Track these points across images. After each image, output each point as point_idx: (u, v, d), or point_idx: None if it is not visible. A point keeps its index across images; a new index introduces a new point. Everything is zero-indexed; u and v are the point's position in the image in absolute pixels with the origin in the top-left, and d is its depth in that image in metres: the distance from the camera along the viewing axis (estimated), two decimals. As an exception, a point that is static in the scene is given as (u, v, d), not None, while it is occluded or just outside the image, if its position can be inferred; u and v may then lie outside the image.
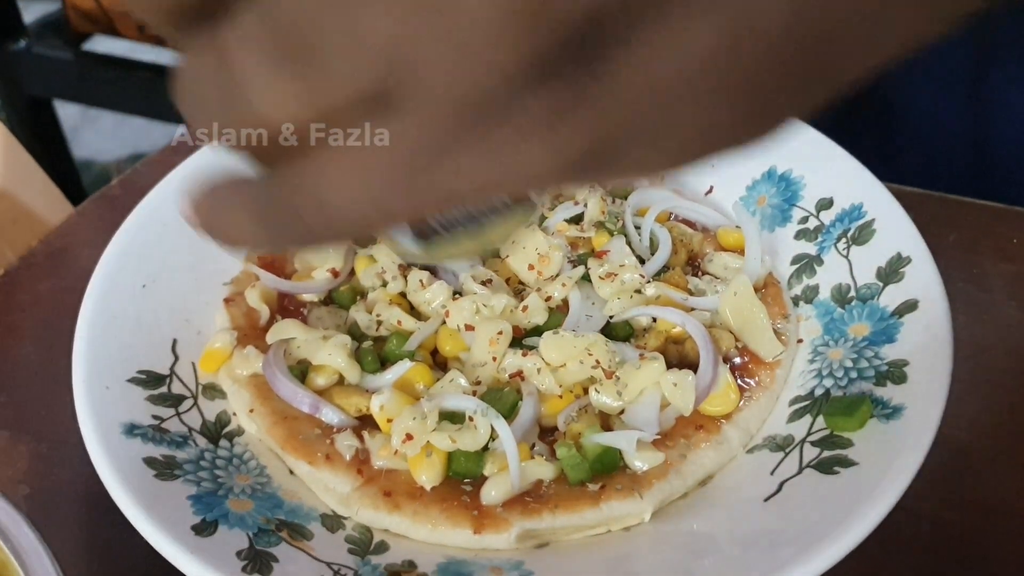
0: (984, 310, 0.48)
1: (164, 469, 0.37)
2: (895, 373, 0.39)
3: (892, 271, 0.42)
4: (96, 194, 0.60)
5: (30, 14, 1.30)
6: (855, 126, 0.68)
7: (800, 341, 0.43)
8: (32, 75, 1.25)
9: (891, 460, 0.36)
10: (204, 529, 0.35)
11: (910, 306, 0.41)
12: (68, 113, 1.87)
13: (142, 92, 1.23)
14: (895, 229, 0.44)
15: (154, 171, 0.60)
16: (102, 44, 1.38)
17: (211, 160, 0.51)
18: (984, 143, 0.66)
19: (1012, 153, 0.66)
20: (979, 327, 0.47)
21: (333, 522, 0.37)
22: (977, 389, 0.45)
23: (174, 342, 0.43)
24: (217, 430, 0.41)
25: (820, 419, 0.39)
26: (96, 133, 2.00)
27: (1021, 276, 0.50)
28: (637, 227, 0.47)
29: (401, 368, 0.40)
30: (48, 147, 1.31)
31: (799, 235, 0.46)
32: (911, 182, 0.55)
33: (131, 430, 0.39)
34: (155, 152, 0.63)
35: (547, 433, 0.40)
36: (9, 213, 0.58)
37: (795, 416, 0.40)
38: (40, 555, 0.36)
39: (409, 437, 0.38)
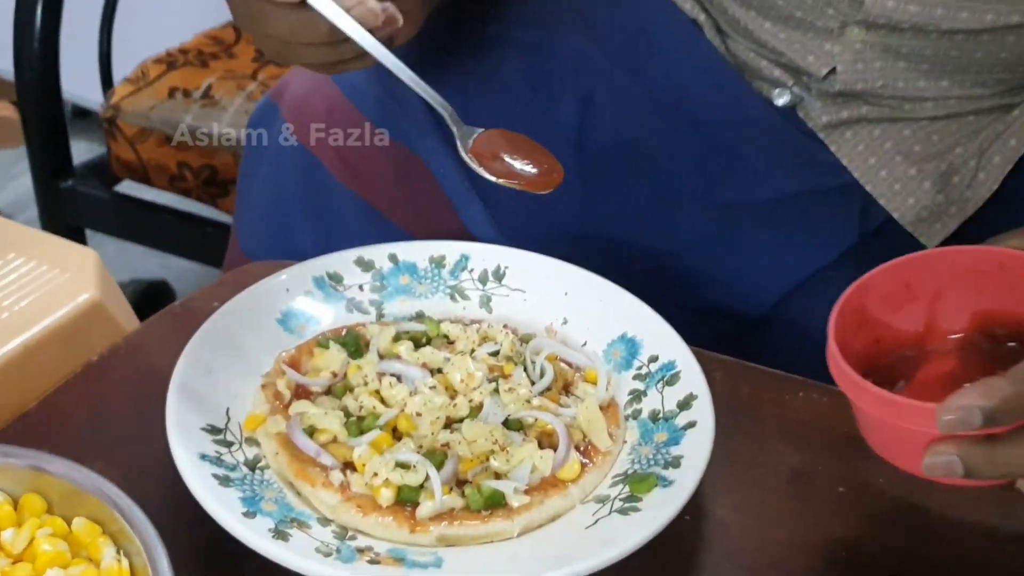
0: (754, 437, 0.73)
1: (223, 481, 0.61)
2: (675, 462, 0.63)
3: (686, 403, 0.67)
4: (162, 311, 0.84)
5: (78, 155, 1.56)
6: (760, 341, 0.86)
7: (625, 442, 0.68)
8: (73, 210, 1.50)
9: (661, 509, 0.60)
10: (249, 516, 0.58)
11: (692, 424, 0.66)
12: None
13: (163, 230, 1.48)
14: (692, 378, 0.69)
15: (205, 297, 0.84)
16: (129, 187, 1.65)
17: (252, 298, 0.75)
18: None
19: None
20: (749, 447, 0.71)
21: (324, 522, 0.60)
22: (740, 487, 0.70)
23: (227, 409, 0.67)
24: (254, 464, 0.64)
25: (627, 487, 0.63)
26: (102, 257, 2.23)
27: (785, 417, 0.75)
28: (533, 361, 0.72)
29: (373, 435, 0.64)
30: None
31: (635, 377, 0.71)
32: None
33: (203, 457, 0.62)
34: (205, 286, 0.87)
35: (461, 483, 0.63)
36: (101, 319, 0.81)
37: (614, 484, 0.64)
38: (147, 527, 0.59)
39: (375, 475, 0.61)
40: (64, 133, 1.47)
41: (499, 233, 0.83)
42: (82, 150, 2.04)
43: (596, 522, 0.61)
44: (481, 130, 0.70)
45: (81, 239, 1.56)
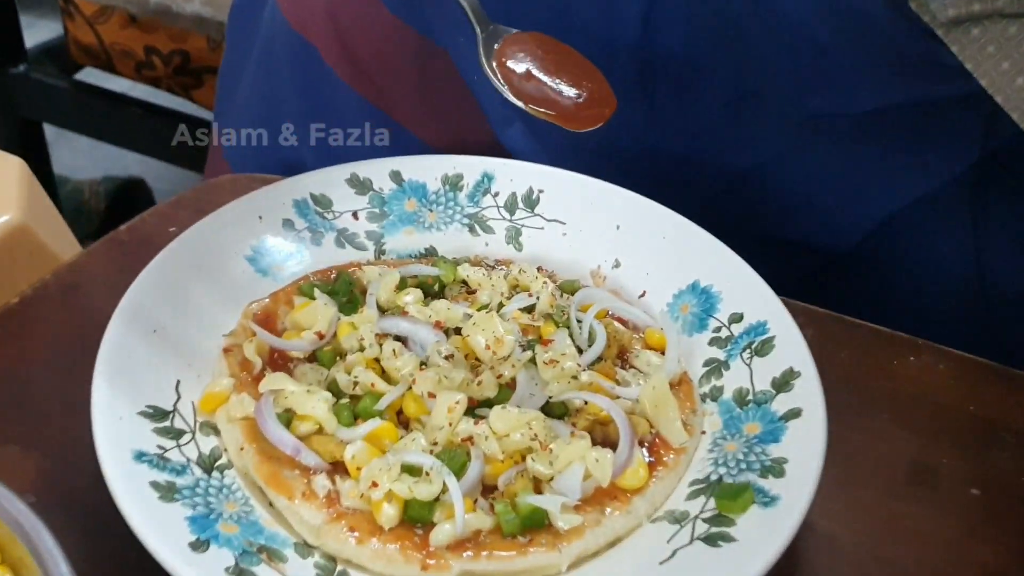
0: (860, 420, 0.57)
1: (166, 493, 0.45)
2: (776, 468, 0.48)
3: (784, 382, 0.51)
4: (105, 237, 0.67)
5: (32, 36, 1.37)
6: (848, 278, 0.73)
7: (704, 432, 0.51)
8: (28, 99, 1.32)
9: (763, 540, 0.44)
10: (199, 546, 0.43)
11: (795, 413, 0.50)
12: (46, 130, 1.93)
13: (131, 126, 1.30)
14: (791, 347, 0.53)
15: (159, 221, 0.67)
16: (95, 76, 1.45)
17: (215, 226, 0.58)
18: (984, 289, 0.70)
19: (1012, 297, 0.69)
20: (855, 434, 0.56)
21: (304, 550, 0.45)
22: (848, 488, 0.54)
23: (178, 383, 0.51)
24: (210, 462, 0.48)
25: (712, 500, 0.47)
26: (71, 152, 2.04)
27: (897, 393, 0.60)
28: (579, 321, 0.55)
29: (372, 424, 0.48)
30: (32, 165, 1.37)
31: (712, 342, 0.55)
32: (909, 328, 0.61)
33: (140, 456, 0.46)
34: (161, 204, 0.70)
35: (489, 491, 0.48)
36: (26, 246, 0.65)
37: (692, 495, 0.48)
38: (56, 557, 0.43)
39: (374, 484, 0.45)
40: (13, 11, 1.28)
41: (543, 152, 0.66)
42: (46, 32, 1.83)
43: (674, 554, 0.45)
44: (513, 31, 0.53)
45: (39, 134, 1.38)
